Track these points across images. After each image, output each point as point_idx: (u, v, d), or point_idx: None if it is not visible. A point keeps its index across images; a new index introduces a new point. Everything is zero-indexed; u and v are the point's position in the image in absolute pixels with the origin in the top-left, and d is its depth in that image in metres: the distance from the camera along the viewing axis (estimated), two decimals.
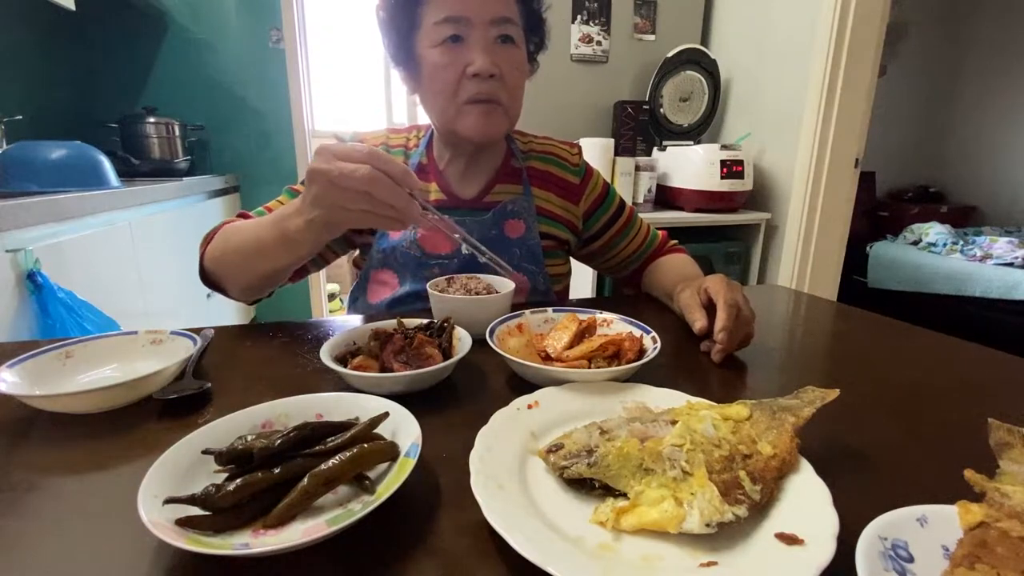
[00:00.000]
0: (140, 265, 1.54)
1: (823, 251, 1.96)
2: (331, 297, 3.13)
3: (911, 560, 0.28)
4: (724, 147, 1.91)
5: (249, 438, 0.37)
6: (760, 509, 0.33)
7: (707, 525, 0.31)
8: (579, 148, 0.94)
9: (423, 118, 0.84)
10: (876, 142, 2.72)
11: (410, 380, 0.50)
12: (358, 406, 0.43)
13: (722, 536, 0.31)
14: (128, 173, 2.01)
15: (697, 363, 0.61)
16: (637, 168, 1.96)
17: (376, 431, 0.39)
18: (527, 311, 0.64)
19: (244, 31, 2.47)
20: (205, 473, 0.36)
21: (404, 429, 0.40)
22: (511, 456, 0.39)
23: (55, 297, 1.08)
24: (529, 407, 0.45)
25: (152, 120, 2.19)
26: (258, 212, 0.79)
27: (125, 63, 2.35)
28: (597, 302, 0.85)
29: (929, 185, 3.58)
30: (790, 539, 0.30)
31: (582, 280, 1.81)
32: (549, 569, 0.27)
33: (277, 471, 0.34)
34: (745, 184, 1.93)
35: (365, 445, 0.36)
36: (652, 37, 2.19)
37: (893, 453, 0.43)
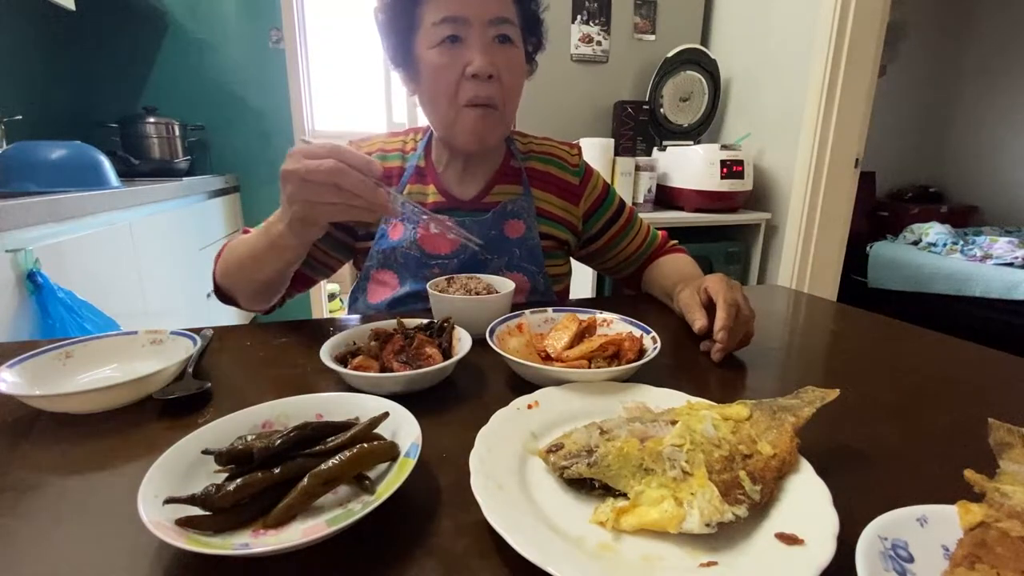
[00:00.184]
0: (140, 265, 1.54)
1: (823, 251, 1.96)
2: (331, 297, 3.14)
3: (911, 560, 0.28)
4: (724, 147, 1.91)
5: (249, 438, 0.37)
6: (760, 509, 0.33)
7: (707, 525, 0.31)
8: (579, 149, 0.94)
9: (423, 119, 0.84)
10: (876, 142, 2.72)
11: (410, 380, 0.50)
12: (358, 406, 0.43)
13: (722, 536, 0.31)
14: (128, 173, 2.02)
15: (697, 363, 0.61)
16: (637, 168, 1.96)
17: (376, 431, 0.39)
18: (527, 311, 0.64)
19: (244, 31, 2.47)
20: (205, 473, 0.36)
21: (404, 429, 0.40)
22: (511, 456, 0.39)
23: (55, 297, 1.08)
24: (529, 407, 0.45)
25: (152, 120, 2.19)
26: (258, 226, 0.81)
27: (125, 63, 2.36)
28: (597, 302, 0.85)
29: (929, 185, 3.58)
30: (790, 539, 0.30)
31: (582, 280, 1.81)
32: (549, 569, 0.27)
33: (277, 471, 0.34)
34: (745, 184, 1.93)
35: (365, 445, 0.36)
36: (652, 37, 2.19)
37: (893, 453, 0.43)
